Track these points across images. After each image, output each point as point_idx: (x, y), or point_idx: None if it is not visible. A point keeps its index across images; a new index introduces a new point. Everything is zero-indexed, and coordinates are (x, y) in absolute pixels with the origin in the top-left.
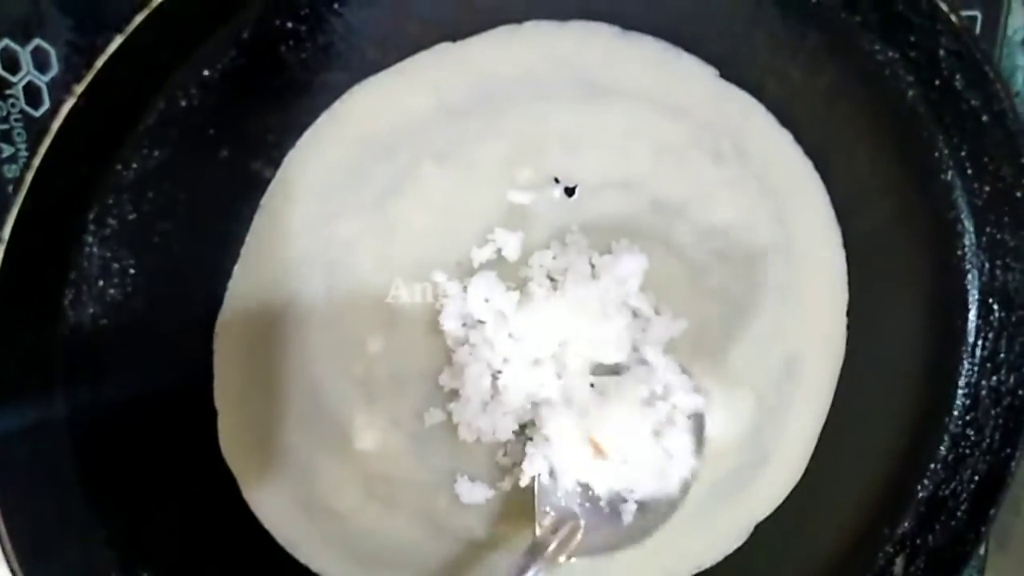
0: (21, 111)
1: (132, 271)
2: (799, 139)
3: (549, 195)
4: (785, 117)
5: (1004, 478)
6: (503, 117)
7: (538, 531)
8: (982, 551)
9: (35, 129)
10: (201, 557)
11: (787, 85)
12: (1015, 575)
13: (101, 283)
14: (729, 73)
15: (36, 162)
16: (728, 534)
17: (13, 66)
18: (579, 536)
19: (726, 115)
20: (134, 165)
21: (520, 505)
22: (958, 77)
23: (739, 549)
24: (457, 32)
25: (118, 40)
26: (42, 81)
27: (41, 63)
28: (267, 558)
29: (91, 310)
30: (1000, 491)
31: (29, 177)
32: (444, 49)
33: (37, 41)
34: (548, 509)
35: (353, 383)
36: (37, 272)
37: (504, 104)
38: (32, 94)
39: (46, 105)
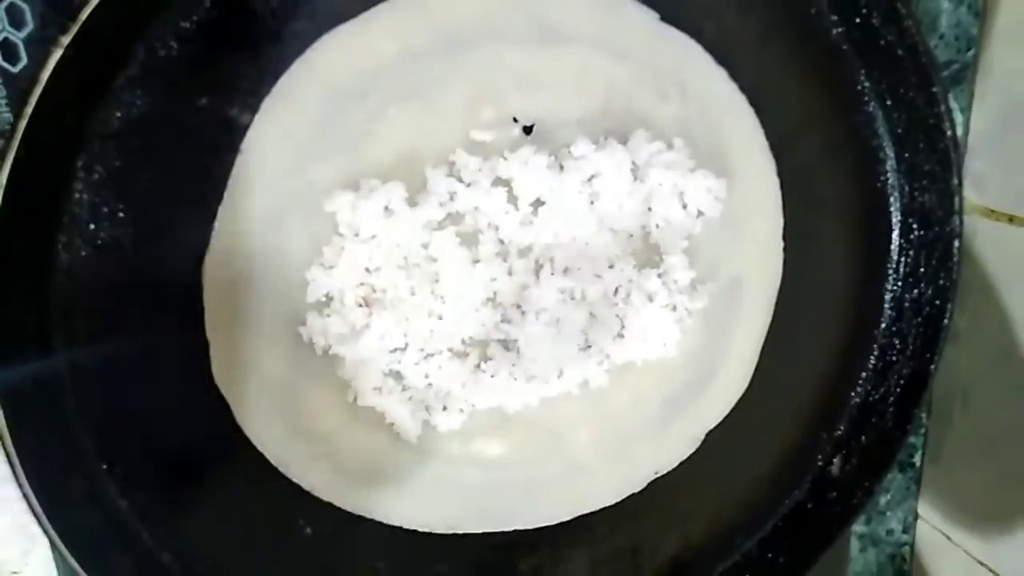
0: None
1: (121, 214)
2: (735, 77)
3: (509, 133)
4: (721, 57)
5: (925, 380)
6: (464, 60)
7: None
8: (918, 463)
9: (15, 84)
10: (199, 479)
11: (723, 27)
12: (947, 485)
13: (92, 227)
14: (670, 16)
15: (28, 111)
16: (682, 442)
17: None
18: None
19: (668, 56)
20: (118, 114)
21: (490, 426)
22: (875, 15)
23: (692, 455)
24: None
25: None
26: (18, 37)
27: (16, 20)
28: (261, 478)
29: (83, 253)
30: (922, 392)
31: (22, 126)
32: None
33: None
34: None
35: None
36: (31, 217)
37: (464, 48)
38: (9, 50)
39: (23, 61)
